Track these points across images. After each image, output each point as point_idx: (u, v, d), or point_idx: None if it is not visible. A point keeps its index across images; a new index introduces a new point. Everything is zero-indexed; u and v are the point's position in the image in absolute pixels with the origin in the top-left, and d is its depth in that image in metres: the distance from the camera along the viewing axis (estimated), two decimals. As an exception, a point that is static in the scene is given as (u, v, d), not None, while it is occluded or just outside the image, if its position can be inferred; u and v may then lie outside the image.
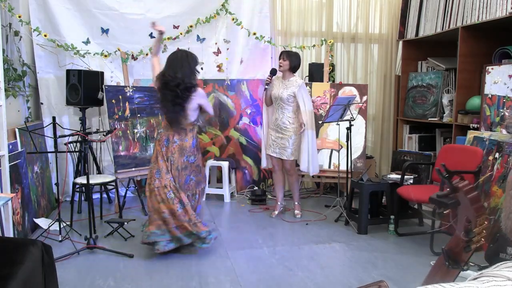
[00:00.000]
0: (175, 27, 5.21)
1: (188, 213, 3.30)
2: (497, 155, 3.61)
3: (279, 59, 4.28)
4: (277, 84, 4.29)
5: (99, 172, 4.89)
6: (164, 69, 3.37)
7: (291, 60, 4.21)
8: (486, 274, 0.69)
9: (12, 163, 3.44)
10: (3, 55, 3.65)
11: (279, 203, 4.51)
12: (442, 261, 1.00)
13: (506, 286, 0.63)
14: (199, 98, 3.41)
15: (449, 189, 0.96)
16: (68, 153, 4.43)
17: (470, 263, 0.98)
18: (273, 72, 4.29)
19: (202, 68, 3.91)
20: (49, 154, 4.69)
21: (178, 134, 3.37)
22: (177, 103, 3.29)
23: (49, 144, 4.73)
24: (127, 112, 4.77)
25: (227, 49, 5.40)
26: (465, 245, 0.94)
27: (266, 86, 4.25)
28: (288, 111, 4.25)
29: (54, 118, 3.96)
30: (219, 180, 5.21)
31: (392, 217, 3.91)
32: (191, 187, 3.48)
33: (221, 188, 5.04)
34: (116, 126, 4.61)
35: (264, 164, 4.55)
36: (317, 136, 5.11)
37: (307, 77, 5.43)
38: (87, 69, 4.86)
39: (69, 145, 3.82)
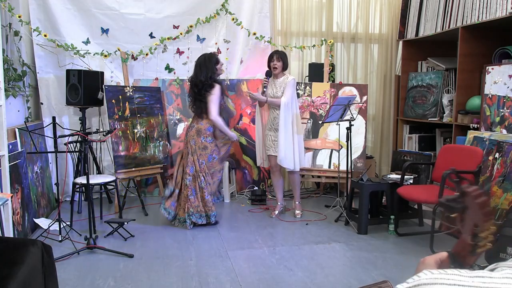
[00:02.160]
0: (175, 27, 5.21)
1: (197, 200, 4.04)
2: (497, 155, 3.61)
3: (272, 61, 4.25)
4: (270, 84, 4.30)
5: (99, 172, 4.89)
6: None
7: (284, 61, 4.26)
8: (501, 265, 0.71)
9: (12, 163, 3.44)
10: (3, 55, 3.65)
11: (279, 203, 4.51)
12: (447, 264, 1.01)
13: None
14: (209, 96, 4.01)
15: (459, 193, 0.97)
16: (68, 153, 4.43)
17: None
18: (268, 74, 4.28)
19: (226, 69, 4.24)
20: (49, 154, 4.69)
21: (196, 120, 4.11)
22: (198, 99, 4.05)
23: (49, 144, 4.73)
24: (127, 112, 4.77)
25: (227, 49, 5.40)
26: (471, 249, 0.95)
27: (264, 89, 4.24)
28: None
29: (54, 118, 3.96)
30: (219, 180, 5.21)
31: (392, 217, 3.91)
32: (215, 165, 4.10)
33: (221, 188, 5.04)
34: (116, 126, 4.61)
35: (259, 162, 4.52)
36: (317, 136, 5.12)
37: (307, 77, 5.43)
38: (87, 69, 4.86)
39: (69, 145, 3.82)
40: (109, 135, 4.12)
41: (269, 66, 4.29)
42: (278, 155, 4.19)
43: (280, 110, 4.15)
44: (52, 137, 3.92)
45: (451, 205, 0.99)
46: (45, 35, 4.77)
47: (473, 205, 0.94)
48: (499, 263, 0.72)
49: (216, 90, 4.00)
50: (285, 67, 4.27)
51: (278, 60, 4.22)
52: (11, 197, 3.20)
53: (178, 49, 5.28)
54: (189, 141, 4.06)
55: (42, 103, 4.90)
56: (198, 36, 5.32)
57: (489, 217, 0.93)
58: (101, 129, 4.98)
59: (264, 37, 5.37)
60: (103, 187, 4.31)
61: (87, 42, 5.00)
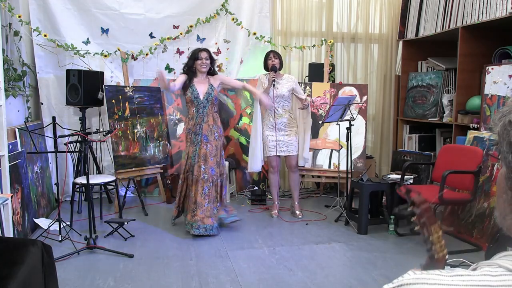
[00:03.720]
0: (175, 27, 5.21)
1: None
2: (497, 155, 3.61)
3: (269, 58, 4.30)
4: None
5: (99, 172, 4.89)
6: None
7: (280, 59, 4.34)
8: (481, 264, 0.75)
9: (12, 163, 3.44)
10: (3, 55, 3.65)
11: (276, 202, 4.51)
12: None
13: (497, 272, 0.68)
14: None
15: (408, 203, 1.09)
16: (68, 153, 4.43)
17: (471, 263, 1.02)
18: (274, 69, 4.26)
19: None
20: (49, 154, 4.69)
21: None
22: None
23: (49, 144, 4.73)
24: (127, 112, 4.77)
25: (227, 49, 5.40)
26: (430, 256, 1.05)
27: (274, 83, 4.22)
28: (288, 108, 4.34)
29: (54, 118, 3.96)
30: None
31: (392, 217, 3.91)
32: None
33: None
34: (116, 126, 4.61)
35: (255, 167, 4.37)
36: (317, 136, 5.12)
37: (307, 77, 5.43)
38: (87, 69, 4.86)
39: (69, 145, 3.82)
40: (109, 135, 4.12)
41: (266, 64, 4.31)
42: (304, 155, 4.42)
43: (307, 109, 4.39)
44: (52, 137, 3.92)
45: (402, 213, 1.12)
46: (45, 35, 4.76)
47: (420, 211, 1.08)
48: (479, 262, 0.76)
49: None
50: (281, 66, 4.35)
51: (275, 58, 4.28)
52: (11, 197, 3.20)
53: (178, 49, 5.28)
54: None
55: (42, 103, 4.90)
56: (198, 36, 5.32)
57: (433, 221, 1.06)
58: (101, 129, 4.98)
59: (264, 37, 5.37)
60: (103, 187, 4.31)
61: (87, 42, 5.00)
